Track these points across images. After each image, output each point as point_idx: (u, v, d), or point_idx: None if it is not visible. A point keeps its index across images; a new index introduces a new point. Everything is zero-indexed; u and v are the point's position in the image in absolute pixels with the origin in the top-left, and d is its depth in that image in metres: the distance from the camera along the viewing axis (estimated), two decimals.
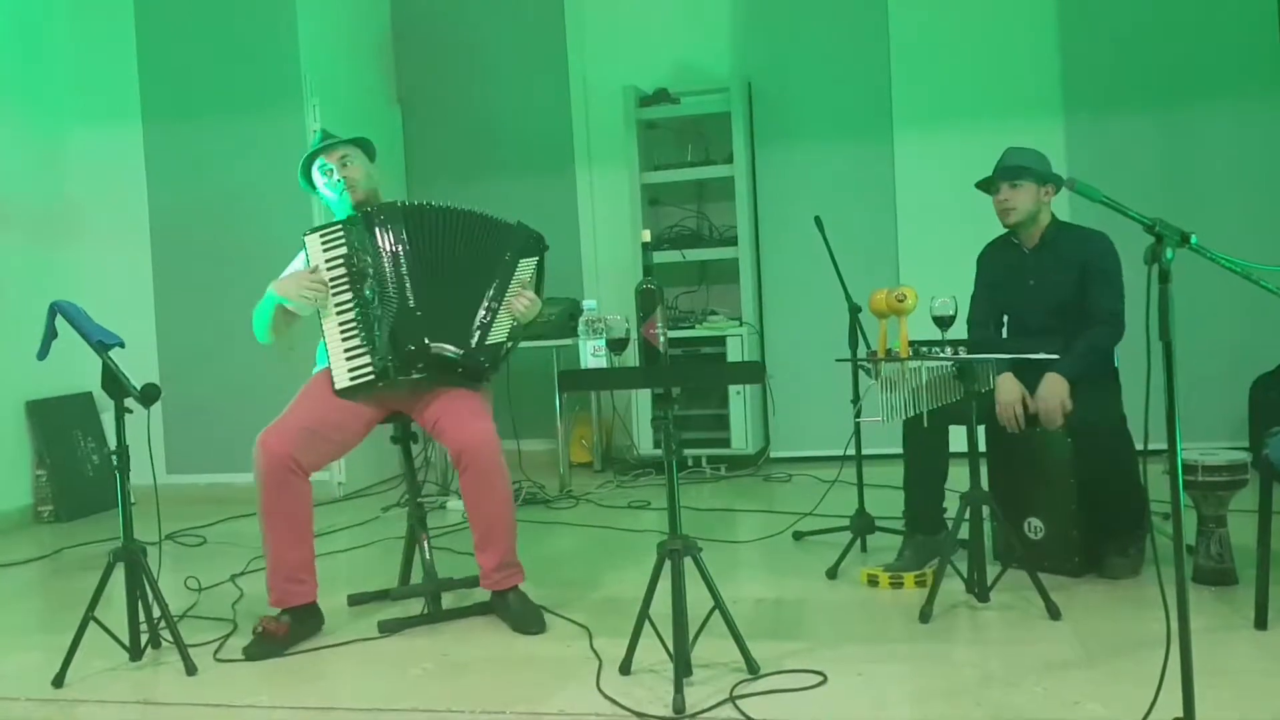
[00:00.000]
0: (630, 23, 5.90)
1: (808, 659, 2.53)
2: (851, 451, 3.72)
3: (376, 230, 2.97)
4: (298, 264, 3.13)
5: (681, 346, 5.36)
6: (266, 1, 5.28)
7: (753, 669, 2.44)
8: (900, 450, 3.31)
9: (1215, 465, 2.90)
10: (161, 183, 5.45)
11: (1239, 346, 4.96)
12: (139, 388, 2.66)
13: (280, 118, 5.24)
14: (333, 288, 2.95)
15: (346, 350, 2.93)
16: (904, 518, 3.36)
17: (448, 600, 3.13)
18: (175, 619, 2.78)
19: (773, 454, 5.63)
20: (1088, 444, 3.05)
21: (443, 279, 2.98)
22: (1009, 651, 2.56)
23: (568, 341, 5.18)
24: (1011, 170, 3.22)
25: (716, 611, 2.45)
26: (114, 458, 2.73)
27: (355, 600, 3.22)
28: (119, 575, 2.72)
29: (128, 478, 2.76)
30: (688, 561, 2.42)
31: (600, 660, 2.59)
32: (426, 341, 2.91)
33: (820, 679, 2.40)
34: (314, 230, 3.03)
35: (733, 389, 5.31)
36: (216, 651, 2.85)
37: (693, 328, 5.45)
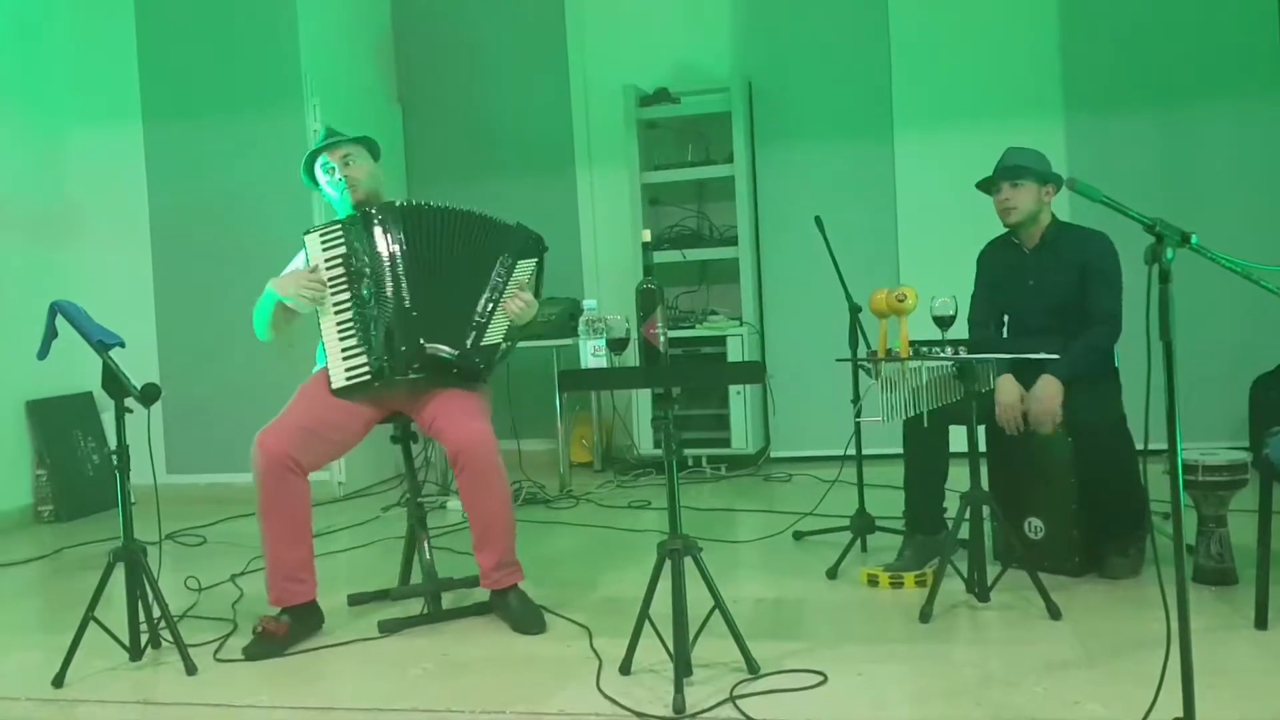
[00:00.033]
0: (630, 22, 5.90)
1: (808, 659, 2.53)
2: (852, 451, 3.72)
3: (374, 230, 2.97)
4: (298, 263, 3.13)
5: (682, 346, 5.35)
6: (266, 1, 5.28)
7: (753, 669, 2.44)
8: (900, 450, 3.31)
9: (1215, 465, 2.90)
10: (161, 183, 5.46)
11: (1239, 346, 4.96)
12: (139, 387, 2.66)
13: (280, 118, 5.24)
14: (331, 287, 2.96)
15: (343, 350, 2.93)
16: (904, 518, 3.36)
17: (448, 600, 3.13)
18: (175, 619, 2.78)
19: (773, 454, 5.63)
20: (1088, 444, 3.05)
21: (440, 279, 2.98)
22: (1009, 651, 2.56)
23: (568, 341, 5.18)
24: (1013, 170, 3.22)
25: (716, 611, 2.45)
26: (114, 457, 2.73)
27: (355, 600, 3.22)
28: (119, 575, 2.72)
29: (128, 477, 2.76)
30: (688, 561, 2.42)
31: (600, 660, 2.59)
32: (421, 342, 2.91)
33: (820, 679, 2.40)
34: (314, 229, 3.04)
35: (733, 389, 5.31)
36: (216, 651, 2.85)
37: (693, 327, 5.45)
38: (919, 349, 2.84)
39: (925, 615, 2.79)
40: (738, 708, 2.26)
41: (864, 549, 3.55)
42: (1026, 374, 3.13)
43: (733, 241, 5.57)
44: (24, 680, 2.72)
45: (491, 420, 2.97)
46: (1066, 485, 3.09)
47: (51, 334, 2.77)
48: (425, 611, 3.03)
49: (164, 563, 3.49)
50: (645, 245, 2.65)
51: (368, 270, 2.95)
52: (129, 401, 2.69)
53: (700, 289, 5.88)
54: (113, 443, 2.74)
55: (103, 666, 2.75)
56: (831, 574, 3.31)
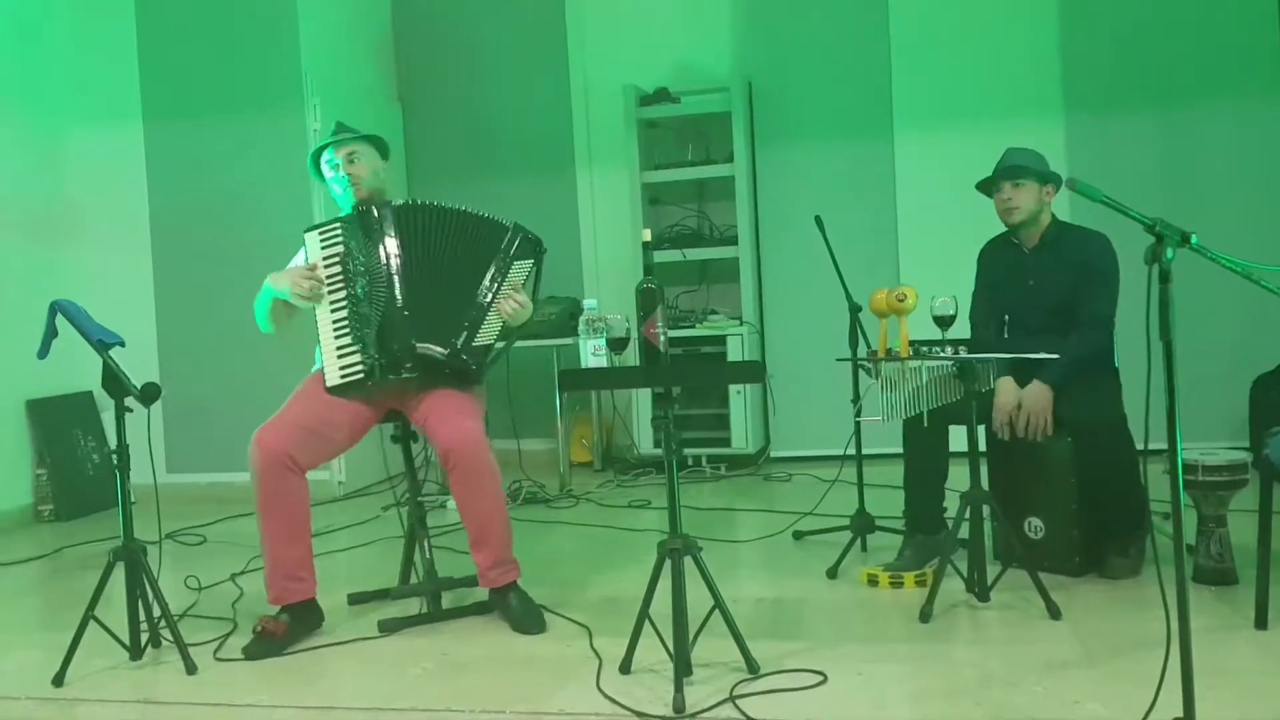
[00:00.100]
0: (630, 22, 5.90)
1: (808, 659, 2.53)
2: (852, 451, 3.72)
3: (371, 229, 2.97)
4: (298, 260, 3.14)
5: (682, 346, 5.35)
6: (267, 1, 5.28)
7: (753, 669, 2.44)
8: (900, 450, 3.31)
9: (1215, 465, 2.90)
10: (162, 182, 5.46)
11: (1239, 346, 4.96)
12: (139, 387, 2.66)
13: (280, 118, 5.24)
14: (328, 285, 2.96)
15: (338, 348, 2.94)
16: (904, 517, 3.36)
17: (448, 600, 3.13)
18: (175, 618, 2.79)
19: (773, 453, 5.63)
20: (1088, 444, 3.05)
21: (434, 279, 2.98)
22: (1009, 651, 2.56)
23: (568, 341, 5.18)
24: (1014, 169, 3.22)
25: (716, 611, 2.45)
26: (114, 457, 2.73)
27: (355, 600, 3.22)
28: (119, 574, 2.72)
29: (128, 477, 2.76)
30: (688, 561, 2.42)
31: (600, 660, 2.59)
32: (413, 342, 2.91)
33: (820, 679, 2.40)
34: (314, 227, 3.05)
35: (733, 388, 5.31)
36: (216, 651, 2.85)
37: (693, 327, 5.45)
38: (919, 349, 2.84)
39: (925, 615, 2.79)
40: (738, 707, 2.26)
41: (864, 549, 3.55)
42: (1025, 375, 3.13)
43: (733, 241, 5.57)
44: (24, 679, 2.72)
45: (486, 419, 2.97)
46: (1066, 485, 3.09)
47: (51, 333, 2.77)
48: (425, 611, 3.03)
49: (164, 562, 3.49)
50: (645, 245, 2.65)
51: (363, 269, 2.95)
52: (129, 401, 2.70)
53: (700, 289, 5.88)
54: (113, 442, 2.74)
55: (103, 666, 2.75)
56: (831, 574, 3.31)
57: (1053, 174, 3.25)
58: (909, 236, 5.46)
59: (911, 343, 2.84)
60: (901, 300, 2.84)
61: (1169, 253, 1.83)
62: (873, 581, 3.17)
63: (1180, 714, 1.83)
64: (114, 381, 2.70)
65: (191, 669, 2.68)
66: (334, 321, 2.95)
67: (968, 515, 2.89)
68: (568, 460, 5.35)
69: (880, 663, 2.54)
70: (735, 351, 5.32)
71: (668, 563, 2.41)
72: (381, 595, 3.18)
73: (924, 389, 2.88)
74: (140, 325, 5.31)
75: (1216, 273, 2.12)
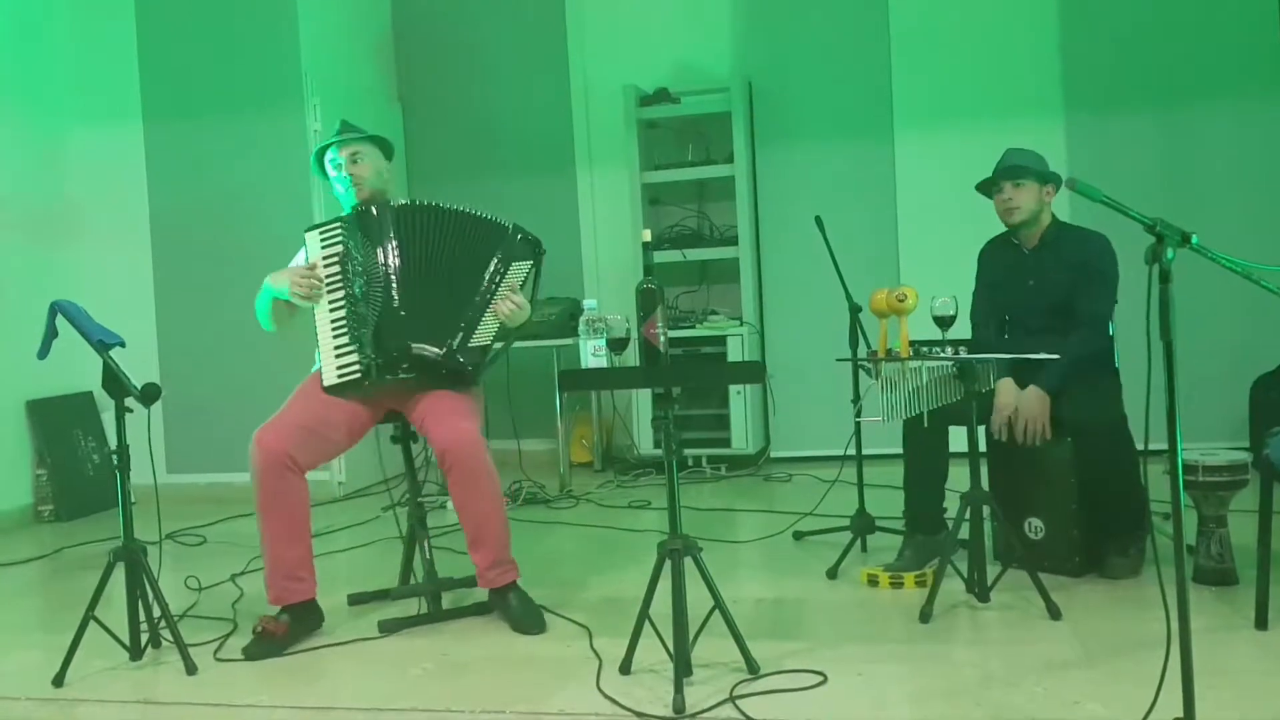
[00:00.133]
0: (630, 22, 5.90)
1: (808, 659, 2.53)
2: (852, 451, 3.72)
3: (370, 229, 2.98)
4: (299, 260, 3.14)
5: (682, 346, 5.35)
6: (266, 1, 5.28)
7: (753, 669, 2.44)
8: (900, 450, 3.31)
9: (1216, 465, 2.90)
10: (162, 182, 5.46)
11: (1239, 346, 4.96)
12: (139, 387, 2.66)
13: (280, 118, 5.24)
14: (327, 284, 2.96)
15: (336, 348, 2.94)
16: (904, 518, 3.36)
17: (448, 600, 3.13)
18: (175, 618, 2.79)
19: (773, 454, 5.63)
20: (1088, 444, 3.05)
21: (432, 280, 2.97)
22: (1009, 651, 2.56)
23: (568, 341, 5.18)
24: (1014, 169, 3.22)
25: (716, 611, 2.45)
26: (114, 457, 2.73)
27: (355, 600, 3.22)
28: (119, 575, 2.72)
29: (128, 477, 2.76)
30: (688, 561, 2.42)
31: (600, 660, 2.59)
32: (408, 342, 2.91)
33: (820, 679, 2.40)
34: (314, 227, 3.05)
35: (733, 389, 5.31)
36: (217, 651, 2.85)
37: (693, 327, 5.45)
38: (919, 349, 2.84)
39: (925, 615, 2.78)
40: (738, 708, 2.26)
41: (864, 549, 3.55)
42: (1026, 375, 3.13)
43: (733, 241, 5.57)
44: (24, 680, 2.72)
45: (484, 420, 2.96)
46: (1067, 485, 3.08)
47: (52, 334, 2.77)
48: (425, 611, 3.03)
49: (164, 562, 3.49)
50: (645, 245, 2.65)
51: (361, 269, 2.95)
52: (129, 401, 2.70)
53: (700, 289, 5.88)
54: (113, 442, 2.75)
55: (103, 666, 2.75)
56: (831, 574, 3.31)
57: (1053, 174, 3.25)
58: (909, 236, 5.46)
59: (912, 343, 2.84)
60: (902, 300, 2.84)
61: (1169, 253, 1.83)
62: (873, 582, 3.17)
63: (1180, 714, 1.83)
64: (114, 382, 2.70)
65: (191, 669, 2.68)
66: (332, 321, 2.95)
67: (968, 515, 2.89)
68: (568, 461, 5.35)
69: (880, 663, 2.54)
70: (735, 352, 5.32)
71: (668, 563, 2.41)
72: (381, 596, 3.18)
73: (924, 389, 2.88)
74: (140, 325, 5.31)
75: (1216, 273, 2.12)
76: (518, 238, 3.05)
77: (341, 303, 2.95)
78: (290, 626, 2.86)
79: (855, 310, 3.61)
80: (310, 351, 3.13)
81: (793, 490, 4.87)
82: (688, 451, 5.38)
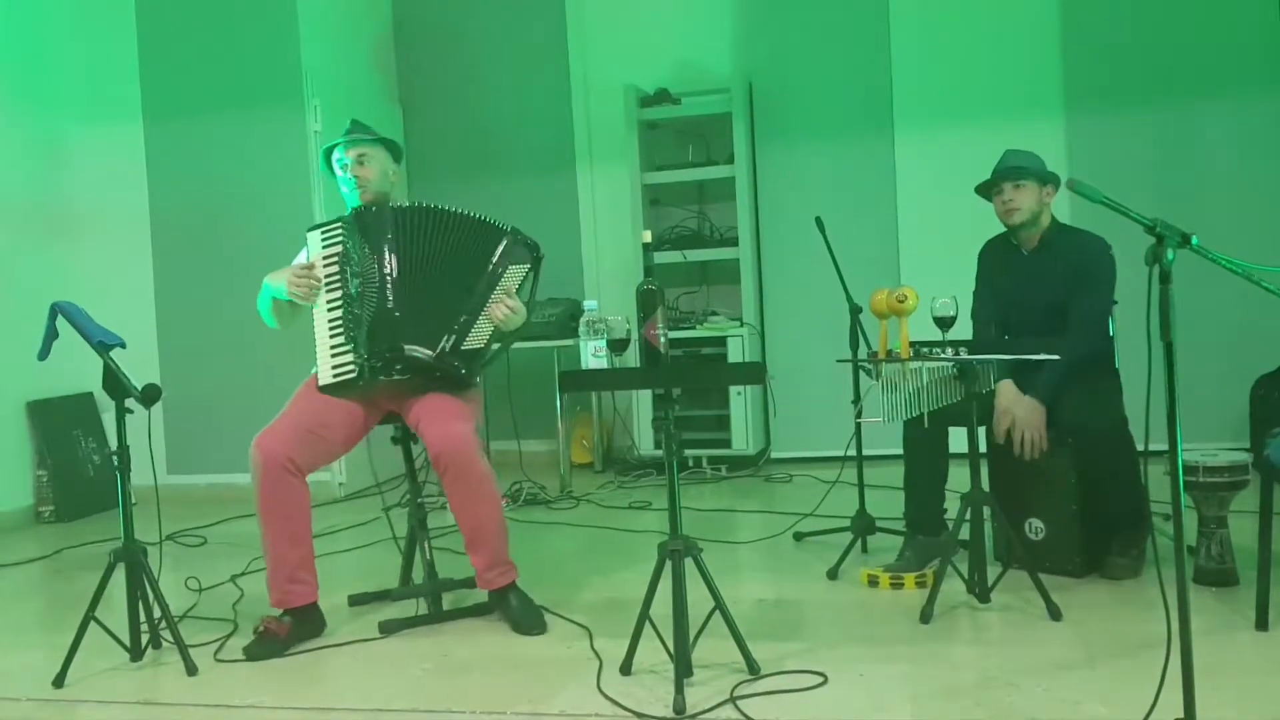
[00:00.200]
0: (631, 23, 5.90)
1: (808, 659, 2.53)
2: (852, 452, 3.72)
3: (370, 230, 2.98)
4: (301, 259, 3.14)
5: (682, 347, 5.35)
6: (267, 1, 5.28)
7: (753, 669, 2.44)
8: (900, 451, 3.31)
9: (1216, 466, 2.89)
10: (162, 182, 5.46)
11: (1239, 346, 4.96)
12: (140, 388, 2.66)
13: (280, 118, 5.25)
14: (326, 284, 2.96)
15: (332, 348, 2.94)
16: (904, 518, 3.35)
17: (448, 600, 3.13)
18: (176, 619, 2.79)
19: (773, 454, 5.63)
20: (1089, 445, 3.05)
21: (427, 281, 2.97)
22: (1010, 652, 2.56)
23: (569, 342, 5.18)
24: (1014, 170, 3.22)
25: (717, 612, 2.45)
26: (115, 458, 2.73)
27: (356, 600, 3.22)
28: (119, 575, 2.72)
29: (128, 478, 2.76)
30: (688, 562, 2.42)
31: (601, 661, 2.59)
32: (401, 344, 2.91)
33: (821, 679, 2.40)
34: (316, 226, 3.06)
35: (733, 390, 5.31)
36: (217, 652, 2.85)
37: (693, 328, 5.45)
38: (919, 350, 2.84)
39: (926, 616, 2.79)
40: (738, 708, 2.26)
41: (864, 550, 3.55)
42: (1026, 376, 3.13)
43: (733, 242, 5.57)
44: (24, 680, 2.72)
45: (484, 421, 2.96)
46: (1067, 486, 3.09)
47: (52, 334, 2.77)
48: (425, 612, 3.03)
49: (164, 563, 3.49)
50: (646, 246, 2.65)
51: (359, 269, 2.95)
52: (129, 402, 2.70)
53: (701, 290, 5.88)
54: (113, 443, 2.75)
55: (103, 667, 2.75)
56: (832, 575, 3.31)
57: (1052, 175, 3.25)
58: (909, 237, 5.46)
59: (912, 344, 2.83)
60: (902, 301, 2.84)
61: (1169, 254, 1.83)
62: (873, 582, 3.17)
63: (1181, 714, 1.83)
64: (115, 383, 2.70)
65: (192, 670, 2.68)
66: (329, 321, 2.95)
67: (968, 516, 2.89)
68: (568, 461, 5.35)
69: (881, 664, 2.54)
70: (736, 353, 5.32)
71: (668, 564, 2.41)
72: (382, 596, 3.19)
73: (924, 390, 2.88)
74: (140, 326, 5.31)
75: (1216, 273, 2.12)
76: (515, 241, 3.04)
77: (339, 302, 2.95)
78: (292, 628, 2.86)
79: (855, 311, 3.61)
80: (310, 352, 3.13)
81: (793, 491, 4.87)
82: (688, 452, 5.38)
